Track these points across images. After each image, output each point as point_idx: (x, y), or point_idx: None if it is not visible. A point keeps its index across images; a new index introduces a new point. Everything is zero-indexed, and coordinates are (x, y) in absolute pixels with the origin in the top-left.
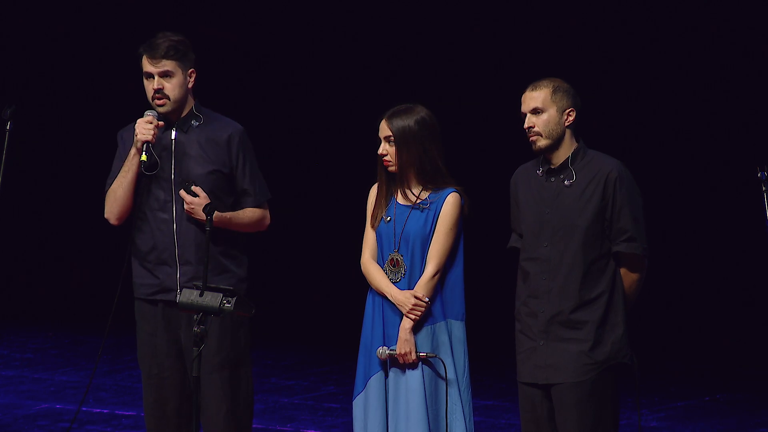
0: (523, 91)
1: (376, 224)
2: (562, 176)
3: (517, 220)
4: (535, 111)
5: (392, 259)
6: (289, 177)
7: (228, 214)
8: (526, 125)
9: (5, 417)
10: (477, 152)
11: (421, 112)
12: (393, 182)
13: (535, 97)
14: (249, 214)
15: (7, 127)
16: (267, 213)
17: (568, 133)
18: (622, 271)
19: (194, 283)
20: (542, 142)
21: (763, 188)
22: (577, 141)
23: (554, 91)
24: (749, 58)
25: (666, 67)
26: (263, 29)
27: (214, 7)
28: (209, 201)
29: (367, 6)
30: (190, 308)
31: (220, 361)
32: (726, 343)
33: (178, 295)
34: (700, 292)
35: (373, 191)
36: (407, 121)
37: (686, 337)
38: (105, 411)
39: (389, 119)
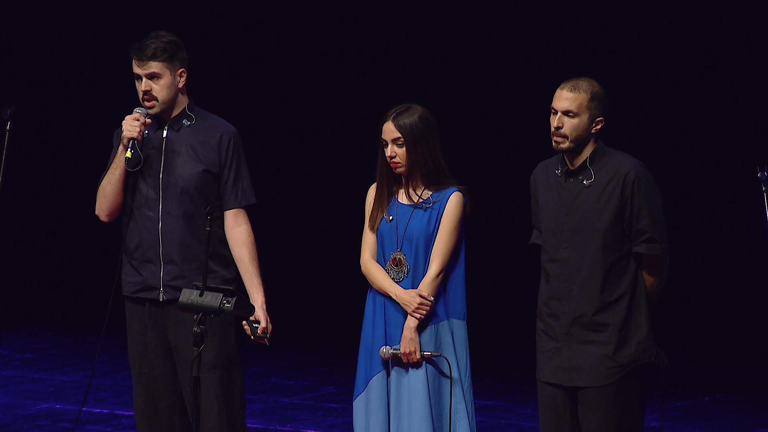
0: (557, 84)
1: (375, 226)
2: (580, 177)
3: (537, 216)
4: (568, 113)
5: (395, 258)
6: (289, 177)
7: (258, 278)
8: (554, 124)
9: (5, 417)
10: (478, 152)
11: (420, 109)
12: (395, 183)
13: (571, 99)
14: (249, 247)
15: (7, 127)
16: (248, 220)
17: (590, 138)
18: (644, 272)
19: (194, 282)
20: (565, 145)
21: (763, 188)
22: (596, 141)
23: (592, 98)
24: (749, 57)
25: (665, 66)
26: (262, 28)
27: (214, 6)
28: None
29: (367, 6)
30: (190, 308)
31: (211, 361)
32: (726, 342)
33: (161, 294)
34: (699, 292)
35: (372, 192)
36: (413, 120)
37: (686, 337)
38: (105, 411)
39: (395, 120)
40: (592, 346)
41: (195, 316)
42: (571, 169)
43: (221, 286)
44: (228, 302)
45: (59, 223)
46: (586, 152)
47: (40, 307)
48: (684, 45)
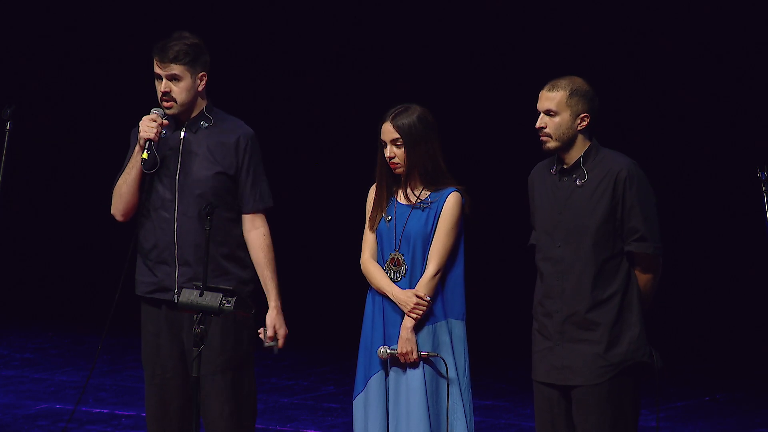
0: (540, 87)
1: (374, 226)
2: (574, 176)
3: (534, 217)
4: (549, 112)
5: (393, 258)
6: (289, 177)
7: (273, 281)
8: (537, 125)
9: (5, 417)
10: (478, 152)
11: (419, 109)
12: (395, 183)
13: (551, 98)
14: (264, 250)
15: (7, 127)
16: (266, 223)
17: (580, 136)
18: (636, 270)
19: (194, 283)
20: (551, 144)
21: (763, 188)
22: (590, 140)
23: (571, 95)
24: (750, 57)
25: (666, 66)
26: (261, 29)
27: (214, 7)
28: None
29: (366, 6)
30: (190, 308)
31: (223, 363)
32: (726, 342)
33: (176, 296)
34: (699, 292)
35: (372, 192)
36: (412, 120)
37: (686, 337)
38: (105, 411)
39: (393, 121)
40: (584, 344)
41: (195, 316)
42: (565, 168)
43: (221, 286)
44: (228, 302)
45: (60, 223)
46: (578, 150)
47: (40, 307)
48: (684, 44)
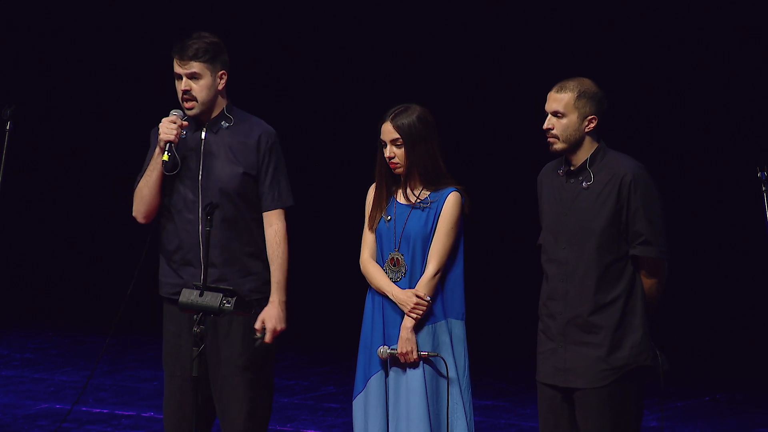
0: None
1: (374, 226)
2: (580, 178)
3: (542, 217)
4: (556, 114)
5: (393, 258)
6: (288, 177)
7: (275, 276)
8: (545, 126)
9: (5, 417)
10: (478, 152)
11: (419, 109)
12: (394, 183)
13: (558, 100)
14: (274, 248)
15: (7, 127)
16: (282, 221)
17: (587, 137)
18: (641, 274)
19: (194, 282)
20: (558, 146)
21: (763, 188)
22: (597, 142)
23: (579, 97)
24: (750, 57)
25: (666, 66)
26: (261, 29)
27: (213, 8)
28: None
29: (367, 6)
30: (190, 308)
31: (244, 363)
32: (726, 342)
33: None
34: (699, 292)
35: (371, 192)
36: (411, 120)
37: (686, 337)
38: (105, 411)
39: (393, 121)
40: (587, 347)
41: (195, 316)
42: (572, 169)
43: (221, 286)
44: (228, 302)
45: (60, 223)
46: (585, 152)
47: (40, 307)
48: (684, 44)
